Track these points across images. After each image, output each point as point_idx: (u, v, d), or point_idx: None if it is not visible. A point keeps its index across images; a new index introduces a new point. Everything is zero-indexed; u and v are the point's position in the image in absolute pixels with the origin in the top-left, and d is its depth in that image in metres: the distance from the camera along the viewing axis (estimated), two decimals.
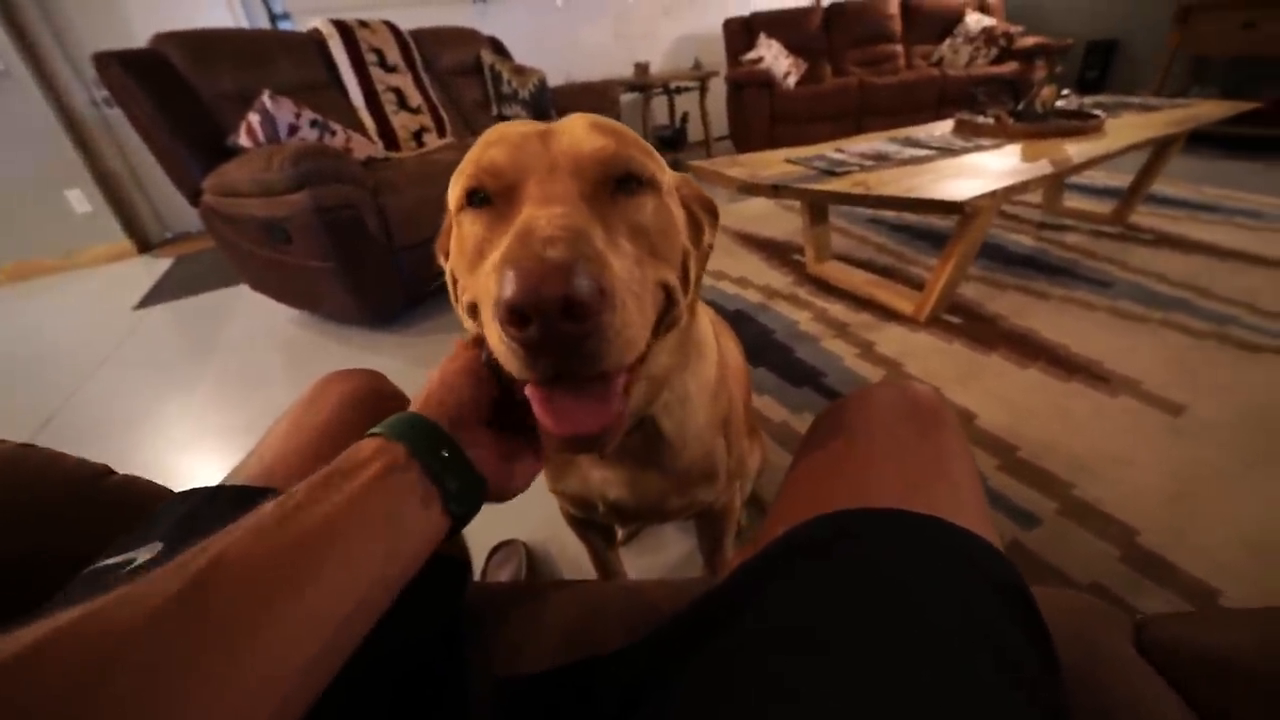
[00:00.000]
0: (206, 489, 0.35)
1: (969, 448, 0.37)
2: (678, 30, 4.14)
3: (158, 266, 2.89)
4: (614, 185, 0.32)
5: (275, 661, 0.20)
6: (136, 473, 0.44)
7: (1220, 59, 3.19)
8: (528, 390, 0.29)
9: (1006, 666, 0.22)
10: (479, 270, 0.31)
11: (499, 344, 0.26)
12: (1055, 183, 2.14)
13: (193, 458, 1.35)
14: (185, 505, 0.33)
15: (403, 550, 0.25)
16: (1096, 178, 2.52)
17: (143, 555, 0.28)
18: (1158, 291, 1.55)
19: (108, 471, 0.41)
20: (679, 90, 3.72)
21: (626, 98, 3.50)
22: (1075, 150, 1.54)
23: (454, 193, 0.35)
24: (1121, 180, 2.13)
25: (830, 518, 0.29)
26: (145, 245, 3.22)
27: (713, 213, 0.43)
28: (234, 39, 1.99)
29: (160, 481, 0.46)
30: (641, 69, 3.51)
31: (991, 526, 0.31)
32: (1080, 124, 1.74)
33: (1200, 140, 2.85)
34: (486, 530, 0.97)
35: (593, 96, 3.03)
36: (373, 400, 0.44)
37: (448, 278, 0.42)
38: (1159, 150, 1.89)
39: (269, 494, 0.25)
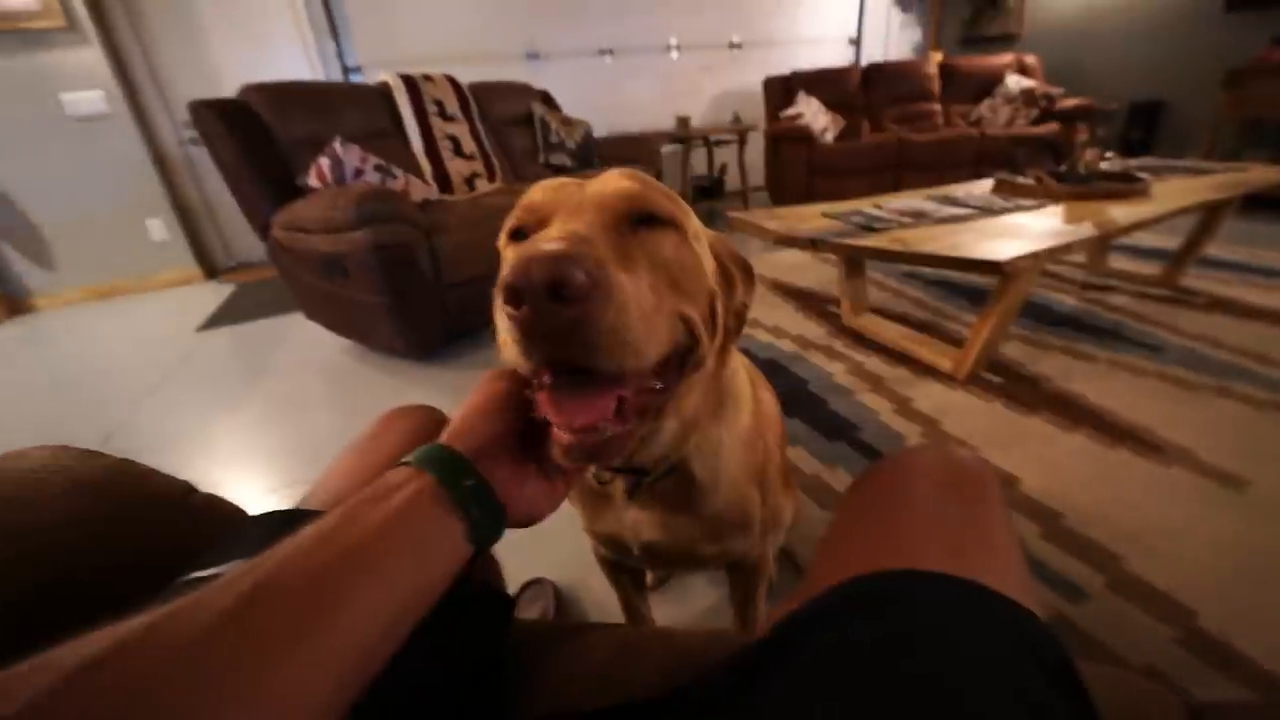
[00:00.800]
0: (285, 512, 0.38)
1: (1011, 516, 0.38)
2: (718, 87, 4.31)
3: (222, 292, 3.07)
4: (635, 221, 0.35)
5: (313, 674, 0.21)
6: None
7: (1273, 122, 3.14)
8: (537, 394, 0.31)
9: None
10: None
11: (505, 336, 0.30)
12: (1099, 244, 2.11)
13: (236, 476, 1.41)
14: (265, 527, 0.36)
15: (429, 572, 0.27)
16: (1145, 239, 2.47)
17: (228, 571, 0.31)
18: (1212, 357, 1.50)
19: (191, 489, 0.44)
20: (718, 143, 3.85)
21: (667, 149, 3.64)
22: (1120, 213, 1.53)
23: (502, 234, 0.39)
24: (1171, 242, 2.09)
25: (874, 577, 0.30)
26: (212, 272, 3.45)
27: (746, 270, 0.46)
28: (310, 91, 2.17)
29: None
30: (683, 122, 3.66)
31: (1033, 597, 0.31)
32: (1125, 186, 1.74)
33: (1255, 203, 2.78)
34: (515, 567, 0.98)
35: (635, 147, 3.17)
36: (432, 433, 0.46)
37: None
38: (1211, 213, 1.86)
39: None
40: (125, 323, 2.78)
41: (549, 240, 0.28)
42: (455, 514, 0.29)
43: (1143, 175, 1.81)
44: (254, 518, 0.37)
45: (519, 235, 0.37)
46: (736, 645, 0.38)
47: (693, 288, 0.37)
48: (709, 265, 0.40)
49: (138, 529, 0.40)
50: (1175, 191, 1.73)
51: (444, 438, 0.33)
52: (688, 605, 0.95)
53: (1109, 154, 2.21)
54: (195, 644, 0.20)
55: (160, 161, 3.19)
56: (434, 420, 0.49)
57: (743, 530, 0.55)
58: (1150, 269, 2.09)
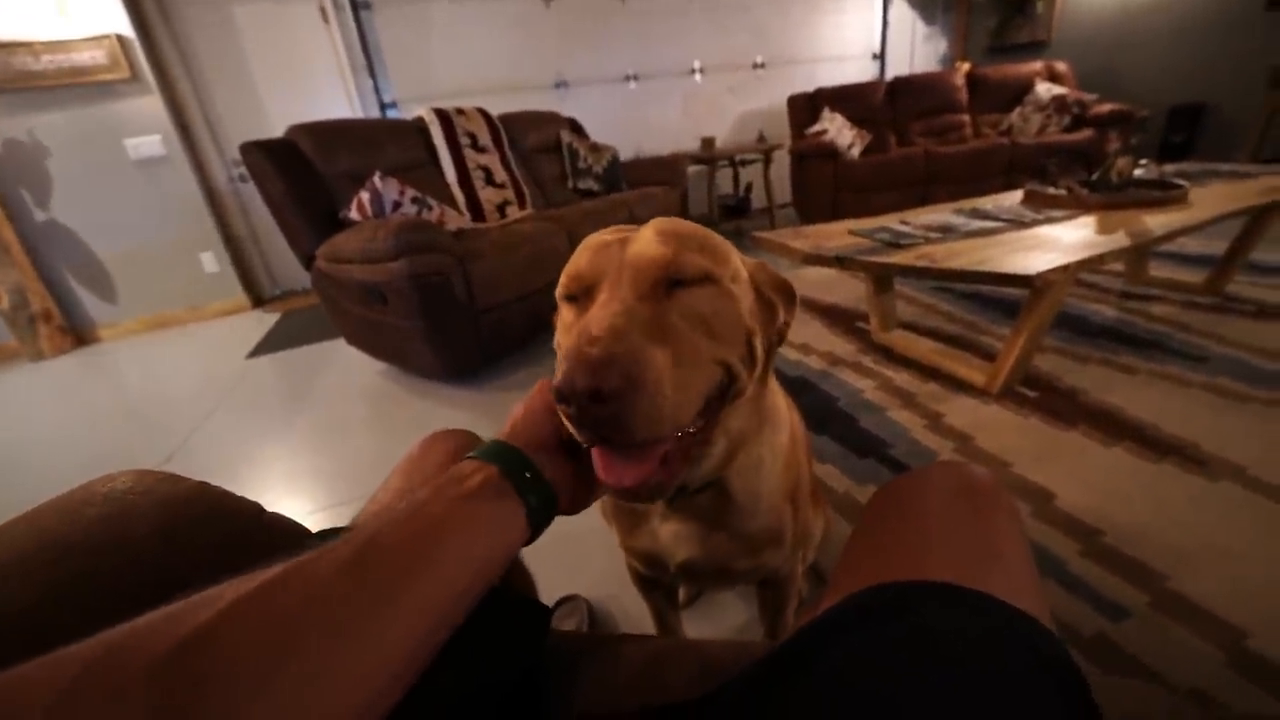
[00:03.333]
0: (343, 529, 0.42)
1: (1023, 529, 0.39)
2: (742, 106, 4.37)
3: (268, 320, 3.23)
4: (671, 283, 0.38)
5: (411, 615, 0.26)
6: None
7: None
8: (591, 450, 0.36)
9: None
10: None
11: (562, 412, 0.34)
12: (1137, 253, 2.06)
13: (285, 496, 1.48)
14: (330, 542, 0.40)
15: (496, 545, 0.32)
16: (1187, 245, 2.40)
17: None
18: (1261, 368, 1.45)
19: (261, 509, 0.49)
20: (744, 162, 3.89)
21: (693, 169, 3.70)
22: (1156, 222, 1.50)
23: (559, 289, 0.43)
24: (1216, 248, 2.02)
25: (887, 587, 0.32)
26: (258, 300, 3.63)
27: (788, 293, 0.48)
28: (351, 128, 2.30)
29: None
30: (707, 143, 3.72)
31: (1045, 608, 0.32)
32: (1160, 194, 1.70)
33: None
34: (549, 585, 1.01)
35: (661, 169, 3.23)
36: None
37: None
38: (1257, 216, 1.80)
39: None
40: (180, 350, 2.95)
41: (589, 339, 0.32)
42: (517, 499, 0.33)
43: (1180, 182, 1.77)
44: (318, 534, 0.41)
45: (570, 296, 0.42)
46: (765, 653, 0.40)
47: (730, 334, 0.40)
48: (747, 303, 0.42)
49: (219, 543, 0.44)
50: (1216, 197, 1.69)
51: (502, 434, 0.38)
52: (719, 622, 0.96)
53: (1143, 161, 2.16)
54: (326, 583, 0.24)
55: (212, 198, 3.39)
56: (470, 444, 0.52)
57: (776, 545, 0.56)
58: (1194, 276, 2.02)
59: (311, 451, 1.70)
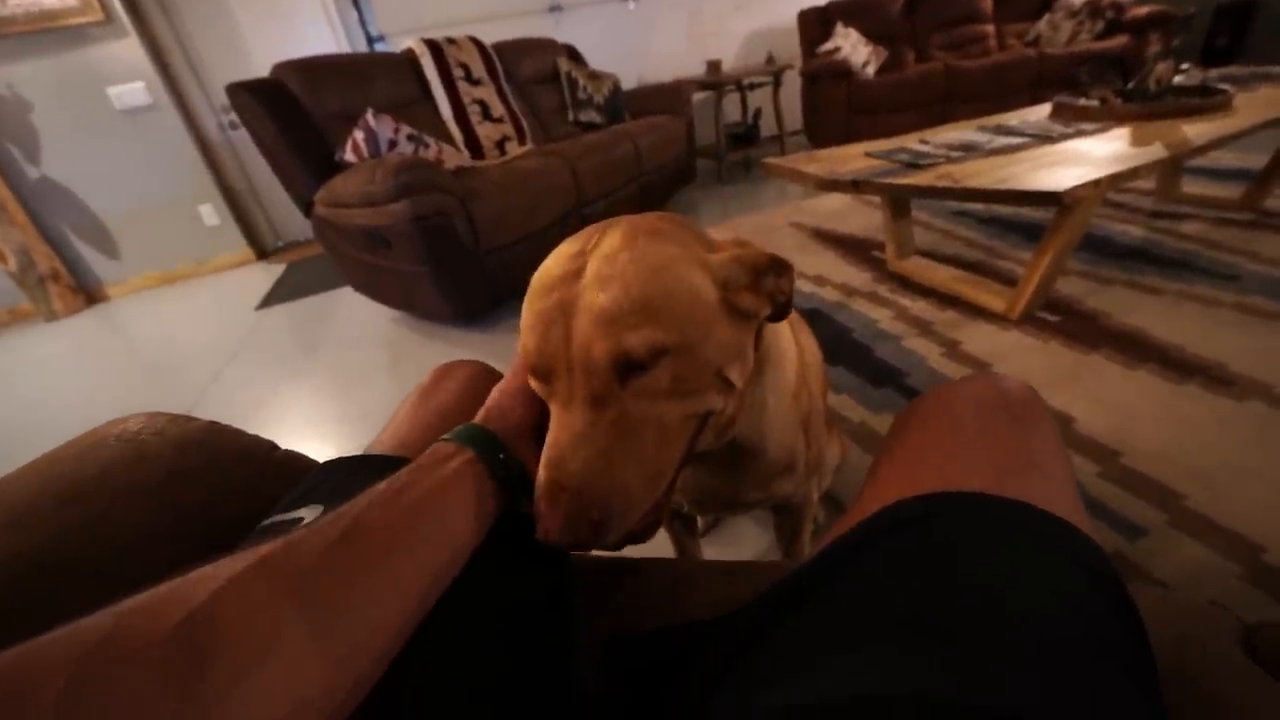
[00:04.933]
0: (353, 459, 0.42)
1: (1059, 438, 0.37)
2: (750, 25, 4.09)
3: (274, 271, 3.21)
4: (625, 370, 0.34)
5: (396, 587, 0.27)
6: None
7: None
8: None
9: (1102, 647, 0.23)
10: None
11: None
12: (1171, 167, 1.95)
13: (303, 444, 1.51)
14: (338, 474, 0.40)
15: (471, 528, 0.33)
16: (1223, 159, 2.26)
17: (308, 515, 0.36)
18: None
19: (274, 447, 0.49)
20: (752, 86, 3.68)
21: (699, 96, 3.51)
22: (1195, 131, 1.41)
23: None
24: (1254, 161, 1.91)
25: (919, 499, 0.31)
26: (262, 253, 3.59)
27: (777, 269, 0.41)
28: (339, 64, 2.19)
29: None
30: (713, 67, 3.51)
31: (1085, 518, 0.30)
32: (1202, 101, 1.58)
33: None
34: None
35: (665, 97, 3.08)
36: (482, 384, 0.50)
37: None
38: None
39: (402, 462, 0.34)
40: (189, 306, 2.95)
41: (558, 493, 0.32)
42: (491, 483, 0.35)
43: (1225, 87, 1.65)
44: (325, 465, 0.42)
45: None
46: (771, 572, 0.39)
47: (700, 386, 0.37)
48: (717, 338, 0.37)
49: (232, 479, 0.44)
50: (1263, 103, 1.57)
51: (479, 418, 0.39)
52: (739, 547, 0.98)
53: (1185, 66, 2.01)
54: (320, 557, 0.26)
55: (205, 148, 3.30)
56: (482, 372, 0.52)
57: (788, 474, 0.56)
58: (1230, 192, 1.92)
59: (329, 398, 1.72)
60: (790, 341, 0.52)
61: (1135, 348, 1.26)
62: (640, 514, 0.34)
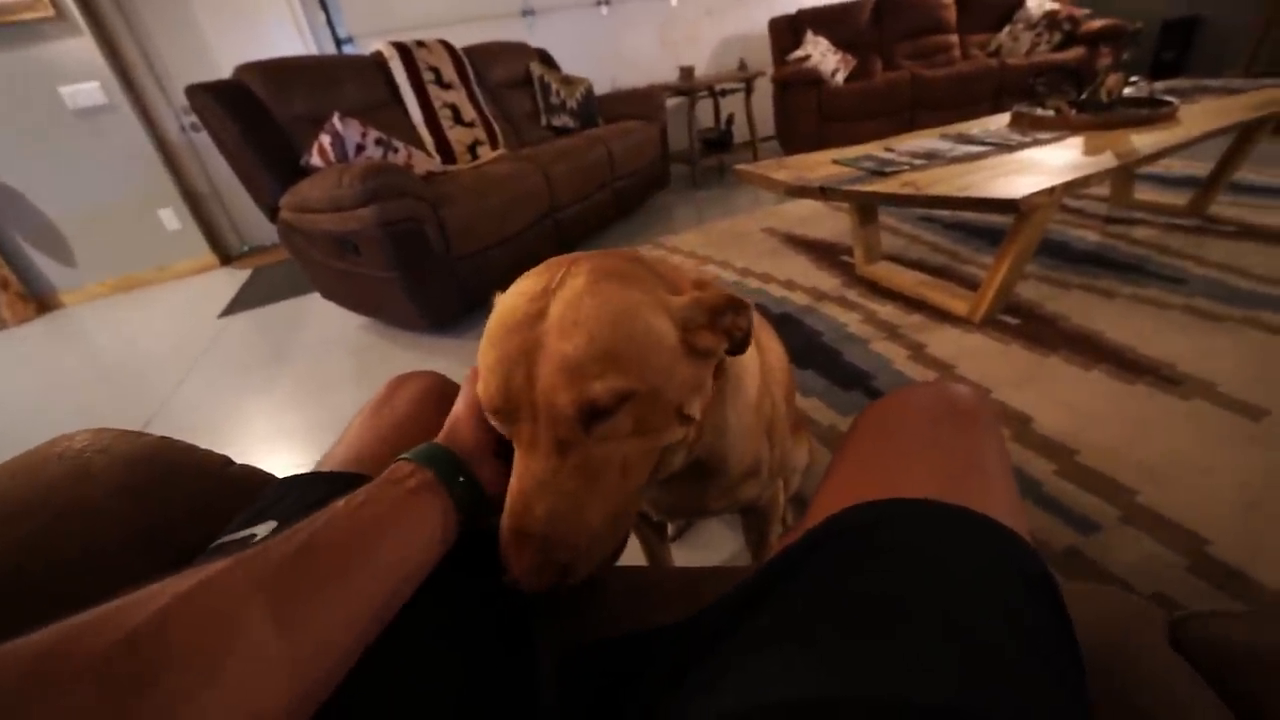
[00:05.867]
0: (306, 476, 0.41)
1: (1004, 444, 0.39)
2: (722, 32, 4.14)
3: (238, 277, 3.13)
4: (588, 418, 0.34)
5: (351, 604, 0.27)
6: None
7: None
8: None
9: (1034, 648, 0.24)
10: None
11: None
12: (1123, 175, 2.03)
13: (269, 456, 1.47)
14: (294, 490, 0.39)
15: (428, 548, 0.33)
16: (1172, 167, 2.37)
17: (262, 531, 0.35)
18: (1239, 287, 1.46)
19: (228, 461, 0.48)
20: (724, 92, 3.73)
21: (672, 102, 3.54)
22: (1143, 141, 1.47)
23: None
24: (1201, 169, 2.00)
25: (865, 506, 0.32)
26: (226, 258, 3.50)
27: (735, 310, 0.41)
28: (305, 66, 2.15)
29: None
30: (686, 73, 3.54)
31: (1023, 519, 0.32)
32: (1149, 112, 1.66)
33: None
34: None
35: (638, 102, 3.09)
36: (437, 397, 0.50)
37: None
38: (1244, 135, 1.77)
39: (358, 478, 0.34)
40: (149, 314, 2.86)
41: (521, 542, 0.33)
42: (449, 502, 0.35)
43: (1170, 99, 1.73)
44: (281, 481, 0.41)
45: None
46: (734, 577, 0.40)
47: (662, 425, 0.38)
48: (678, 378, 0.38)
49: (185, 496, 0.43)
50: (1205, 114, 1.65)
51: (440, 438, 0.39)
52: (710, 551, 0.99)
53: (1134, 78, 2.10)
54: (275, 572, 0.25)
55: (165, 150, 3.20)
56: (436, 385, 0.52)
57: (751, 479, 0.56)
58: (1178, 198, 2.01)
59: (294, 409, 1.68)
60: (751, 358, 0.52)
61: (1091, 349, 1.31)
62: (608, 550, 0.36)
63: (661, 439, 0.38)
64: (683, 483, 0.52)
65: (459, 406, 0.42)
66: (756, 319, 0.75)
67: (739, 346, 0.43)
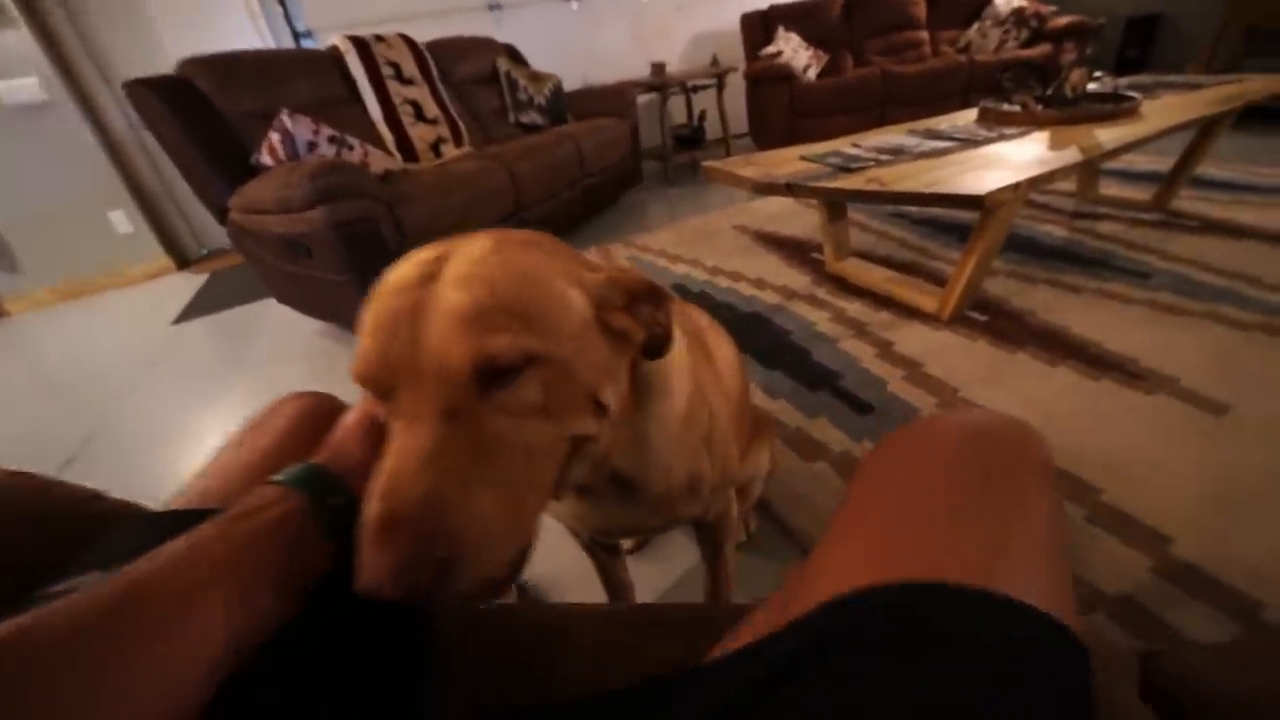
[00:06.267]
0: (146, 516, 0.37)
1: (1053, 491, 0.31)
2: (694, 27, 4.11)
3: (194, 282, 3.01)
4: (485, 380, 0.30)
5: (182, 665, 0.24)
6: (175, 484, 0.45)
7: (1277, 28, 2.99)
8: None
9: None
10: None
11: None
12: (1089, 168, 2.04)
13: None
14: (126, 533, 0.35)
15: (289, 586, 0.29)
16: (1136, 162, 2.39)
17: (85, 583, 0.30)
18: (1201, 281, 1.46)
19: (96, 496, 0.42)
20: (696, 89, 3.69)
21: (643, 98, 3.49)
22: (1107, 136, 1.47)
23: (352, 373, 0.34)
24: (1164, 164, 2.02)
25: (885, 590, 0.25)
26: (183, 262, 3.36)
27: (653, 299, 0.38)
28: (255, 60, 2.05)
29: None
30: (658, 69, 3.50)
31: (1069, 595, 0.26)
32: (1113, 107, 1.66)
33: (1254, 116, 2.67)
34: None
35: (609, 99, 3.04)
36: (319, 420, 0.45)
37: None
38: (1204, 130, 1.78)
39: (206, 514, 0.29)
40: (99, 321, 2.73)
41: (387, 524, 0.26)
42: (318, 531, 0.31)
43: (1133, 94, 1.73)
44: (117, 524, 0.36)
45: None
46: (665, 619, 0.36)
47: (572, 406, 0.33)
48: (591, 356, 0.34)
49: (36, 541, 0.38)
50: (1167, 109, 1.66)
51: (320, 456, 0.35)
52: (670, 564, 0.95)
53: (1098, 74, 2.11)
54: (66, 639, 0.22)
55: (113, 149, 3.06)
56: (314, 405, 0.47)
57: (691, 496, 0.53)
58: (1142, 193, 2.02)
59: (246, 417, 1.60)
60: (680, 367, 0.48)
61: (1057, 345, 1.30)
62: (501, 555, 0.29)
63: (571, 425, 0.33)
64: (608, 500, 0.48)
65: (350, 417, 0.37)
66: (706, 322, 0.71)
67: (658, 346, 0.40)
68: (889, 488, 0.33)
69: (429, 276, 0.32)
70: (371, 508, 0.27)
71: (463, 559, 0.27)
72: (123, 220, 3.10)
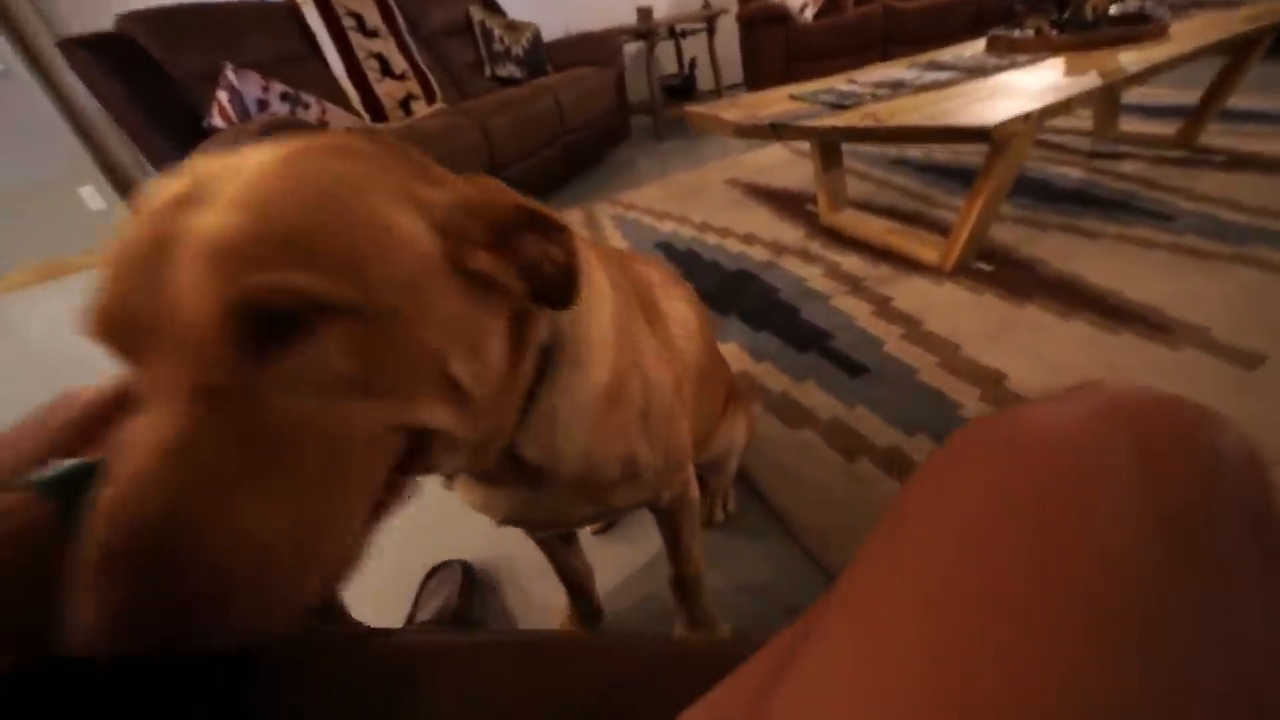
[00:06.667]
0: None
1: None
2: None
3: None
4: (256, 341, 0.21)
5: None
6: None
7: None
8: None
9: None
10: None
11: None
12: (1108, 101, 1.87)
13: None
14: None
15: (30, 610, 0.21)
16: (1162, 95, 2.21)
17: None
18: (1230, 221, 1.33)
19: None
20: (685, 34, 3.47)
21: (630, 48, 3.28)
22: (1130, 59, 1.31)
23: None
24: (1190, 97, 1.84)
25: None
26: None
27: (542, 230, 0.29)
28: (201, 13, 1.91)
29: None
30: (645, 13, 3.27)
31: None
32: (1137, 29, 1.49)
33: None
34: (424, 550, 0.90)
35: (592, 47, 2.86)
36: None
37: None
38: (1237, 56, 1.61)
39: None
40: (76, 301, 2.65)
41: (117, 580, 0.18)
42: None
43: (1161, 14, 1.56)
44: None
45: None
46: (555, 651, 0.28)
47: (406, 380, 0.24)
48: (438, 310, 0.25)
49: None
50: (1199, 29, 1.49)
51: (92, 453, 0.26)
52: (639, 545, 0.87)
53: None
54: None
55: (76, 120, 2.92)
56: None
57: (630, 482, 0.44)
58: (1166, 129, 1.86)
59: None
60: (603, 329, 0.38)
61: (1071, 296, 1.19)
62: (296, 582, 0.21)
63: (403, 410, 0.24)
64: (518, 487, 0.40)
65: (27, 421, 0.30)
66: (660, 276, 0.60)
67: (556, 295, 0.30)
68: (956, 542, 0.16)
69: (190, 199, 0.22)
70: (94, 526, 0.19)
71: (230, 591, 0.19)
72: (94, 196, 2.99)
